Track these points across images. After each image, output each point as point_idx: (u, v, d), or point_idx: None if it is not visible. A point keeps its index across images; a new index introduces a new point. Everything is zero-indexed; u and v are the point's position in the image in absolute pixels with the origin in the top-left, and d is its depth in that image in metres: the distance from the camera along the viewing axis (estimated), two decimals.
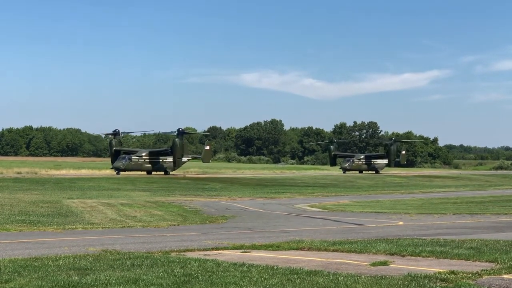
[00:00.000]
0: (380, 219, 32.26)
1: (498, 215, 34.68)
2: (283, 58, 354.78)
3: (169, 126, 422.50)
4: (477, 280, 12.75)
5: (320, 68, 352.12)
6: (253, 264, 14.70)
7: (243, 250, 18.13)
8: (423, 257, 16.23)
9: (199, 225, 28.83)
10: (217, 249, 18.54)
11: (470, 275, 13.17)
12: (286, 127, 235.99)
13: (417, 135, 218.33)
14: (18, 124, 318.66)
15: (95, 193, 53.42)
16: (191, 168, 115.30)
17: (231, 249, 18.60)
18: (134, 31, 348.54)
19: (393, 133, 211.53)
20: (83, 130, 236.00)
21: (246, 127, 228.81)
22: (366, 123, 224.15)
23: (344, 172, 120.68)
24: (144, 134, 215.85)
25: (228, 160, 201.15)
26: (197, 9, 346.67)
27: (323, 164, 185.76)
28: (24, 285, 12.02)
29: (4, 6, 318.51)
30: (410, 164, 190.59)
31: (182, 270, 13.72)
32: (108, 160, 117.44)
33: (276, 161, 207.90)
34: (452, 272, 13.35)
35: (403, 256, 16.49)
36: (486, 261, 15.24)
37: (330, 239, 20.87)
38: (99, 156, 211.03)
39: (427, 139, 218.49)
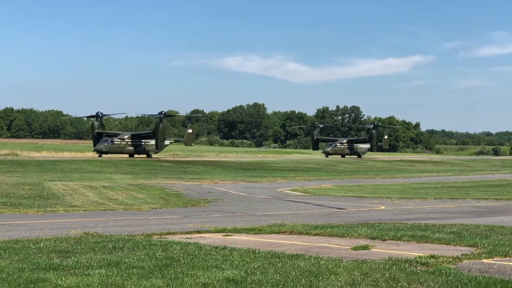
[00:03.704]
0: (362, 204, 32.38)
1: (479, 200, 34.96)
2: (267, 42, 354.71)
3: (151, 109, 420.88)
4: (457, 264, 12.83)
5: (304, 52, 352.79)
6: (235, 248, 14.71)
7: (225, 234, 18.13)
8: (404, 241, 16.32)
9: (181, 208, 28.79)
10: (199, 232, 18.53)
11: (451, 259, 13.25)
12: (269, 111, 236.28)
13: (400, 120, 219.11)
14: None
15: (77, 175, 53.16)
16: (173, 151, 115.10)
17: (213, 232, 18.59)
18: (118, 13, 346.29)
19: (375, 117, 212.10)
20: (65, 112, 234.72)
21: (228, 111, 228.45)
22: (349, 108, 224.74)
23: (326, 156, 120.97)
24: (127, 117, 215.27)
25: (211, 143, 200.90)
26: None
27: (306, 148, 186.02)
28: (5, 267, 11.94)
29: None
30: (392, 148, 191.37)
31: (164, 253, 13.71)
32: (90, 142, 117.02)
33: (259, 144, 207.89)
34: (433, 256, 13.42)
35: (384, 240, 16.57)
36: (466, 246, 15.33)
37: (312, 223, 20.92)
38: (81, 138, 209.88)
39: (409, 124, 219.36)
